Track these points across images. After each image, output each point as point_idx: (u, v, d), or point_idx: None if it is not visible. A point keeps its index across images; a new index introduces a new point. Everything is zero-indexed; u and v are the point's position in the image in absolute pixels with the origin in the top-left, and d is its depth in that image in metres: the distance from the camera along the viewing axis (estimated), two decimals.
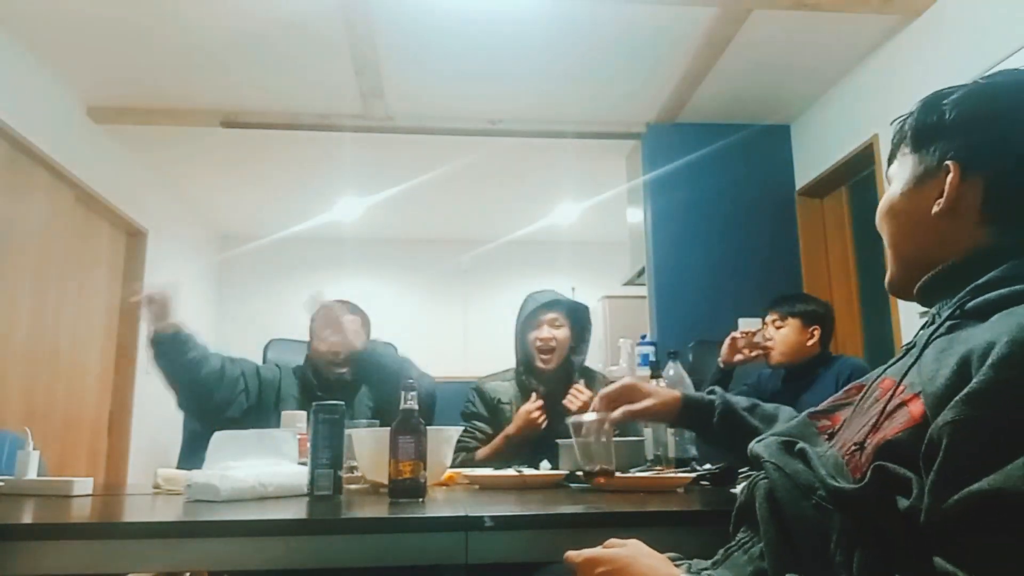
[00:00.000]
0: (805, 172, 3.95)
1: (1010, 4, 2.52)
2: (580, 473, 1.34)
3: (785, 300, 2.52)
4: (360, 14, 2.97)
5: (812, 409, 0.92)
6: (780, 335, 2.43)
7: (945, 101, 0.83)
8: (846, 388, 0.92)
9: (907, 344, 0.83)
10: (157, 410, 4.46)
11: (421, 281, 6.25)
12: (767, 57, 3.40)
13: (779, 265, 3.89)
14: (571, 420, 1.35)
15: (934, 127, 0.83)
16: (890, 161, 0.91)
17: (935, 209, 0.80)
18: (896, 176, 0.88)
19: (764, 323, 2.53)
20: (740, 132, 4.02)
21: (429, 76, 3.54)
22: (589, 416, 1.32)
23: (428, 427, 1.35)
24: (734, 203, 3.97)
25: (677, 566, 0.81)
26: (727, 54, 3.33)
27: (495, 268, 6.16)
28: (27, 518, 1.23)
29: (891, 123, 0.90)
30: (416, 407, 1.33)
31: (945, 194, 0.79)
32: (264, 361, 2.74)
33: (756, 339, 2.44)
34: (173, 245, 5.08)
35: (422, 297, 6.22)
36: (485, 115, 3.96)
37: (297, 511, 1.26)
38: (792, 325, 2.42)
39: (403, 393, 1.35)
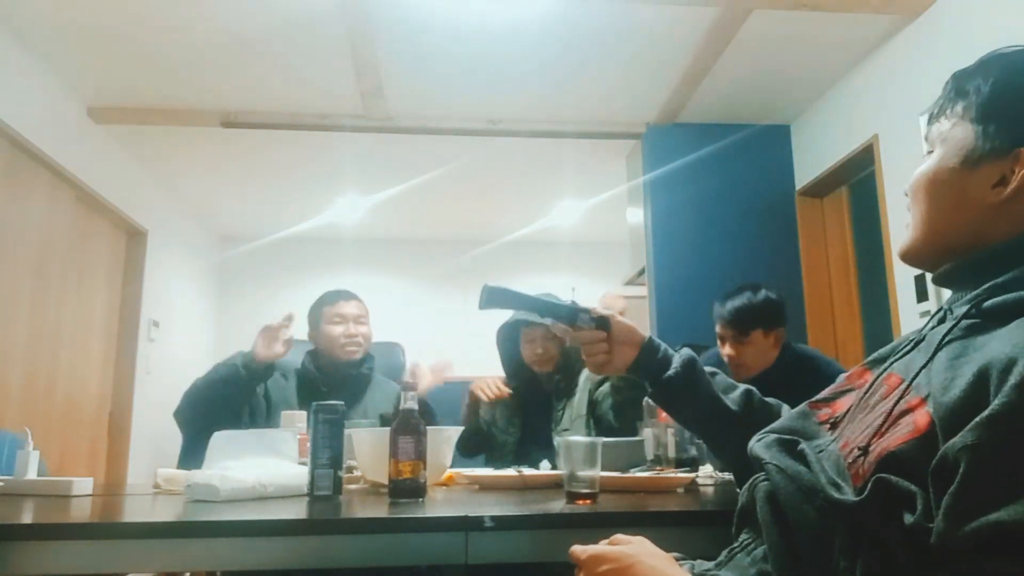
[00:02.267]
0: (805, 172, 3.94)
1: (1010, 4, 2.52)
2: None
3: (732, 308, 2.25)
4: (360, 14, 2.97)
5: (813, 398, 0.91)
6: (748, 353, 2.24)
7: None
8: (847, 373, 0.90)
9: (914, 336, 0.80)
10: (157, 410, 4.46)
11: (421, 281, 6.24)
12: (767, 57, 3.40)
13: (779, 265, 3.88)
14: (559, 440, 1.34)
15: (1010, 105, 0.75)
16: (934, 118, 0.82)
17: (991, 196, 0.74)
18: (943, 142, 0.80)
19: (722, 340, 2.31)
20: (740, 132, 4.01)
21: (429, 76, 3.53)
22: (579, 439, 1.32)
23: (428, 427, 1.35)
24: (734, 203, 3.97)
25: (681, 566, 0.81)
26: (727, 54, 3.33)
27: (495, 268, 6.15)
28: (27, 518, 1.23)
29: (953, 75, 0.82)
30: (415, 407, 1.34)
31: (1012, 184, 0.73)
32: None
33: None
34: (173, 245, 5.08)
35: (422, 297, 6.21)
36: (485, 115, 3.96)
37: (297, 511, 1.26)
38: (755, 339, 2.24)
39: (402, 393, 1.35)
